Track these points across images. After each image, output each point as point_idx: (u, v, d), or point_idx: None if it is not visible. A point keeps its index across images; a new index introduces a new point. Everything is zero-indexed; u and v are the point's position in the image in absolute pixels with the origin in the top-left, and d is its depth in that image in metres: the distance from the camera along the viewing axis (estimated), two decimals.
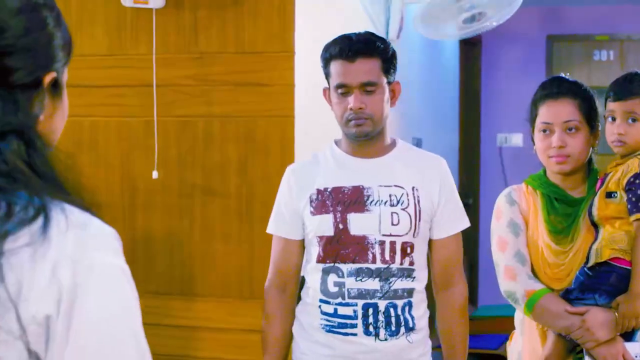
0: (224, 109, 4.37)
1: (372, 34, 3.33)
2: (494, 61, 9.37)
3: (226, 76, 4.37)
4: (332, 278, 3.25)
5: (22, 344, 1.30)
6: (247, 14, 4.33)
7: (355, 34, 3.30)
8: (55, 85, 1.48)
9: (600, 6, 9.03)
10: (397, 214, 3.23)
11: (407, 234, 3.23)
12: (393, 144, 3.38)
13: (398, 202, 3.24)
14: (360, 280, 3.20)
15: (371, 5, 5.20)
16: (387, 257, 3.21)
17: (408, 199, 3.25)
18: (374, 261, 3.20)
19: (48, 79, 1.46)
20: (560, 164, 3.27)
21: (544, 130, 3.30)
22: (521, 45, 9.33)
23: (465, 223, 3.40)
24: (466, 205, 9.30)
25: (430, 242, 3.35)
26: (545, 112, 3.31)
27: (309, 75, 4.36)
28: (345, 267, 3.22)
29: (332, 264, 3.24)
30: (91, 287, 1.33)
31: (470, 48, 9.03)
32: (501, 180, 8.97)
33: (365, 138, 3.27)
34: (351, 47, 3.23)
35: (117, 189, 4.54)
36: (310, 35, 4.42)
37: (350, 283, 3.21)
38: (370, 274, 3.20)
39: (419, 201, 3.26)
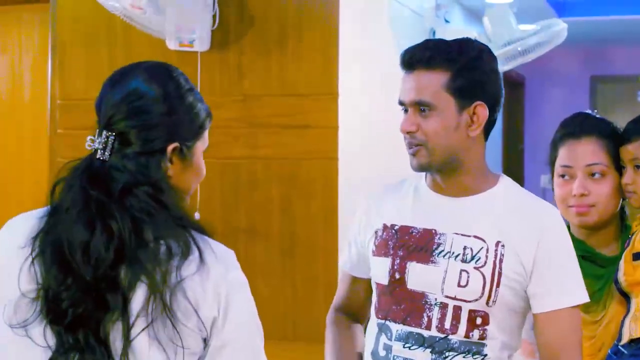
0: (268, 150, 4.39)
1: (464, 40, 2.58)
2: (538, 102, 9.36)
3: (270, 118, 4.39)
4: (383, 339, 2.57)
5: (200, 336, 1.93)
6: (291, 57, 4.36)
7: (436, 38, 2.63)
8: (182, 151, 2.03)
9: None
10: (467, 272, 2.46)
11: (477, 300, 2.45)
12: (492, 181, 2.60)
13: (472, 258, 2.47)
14: (409, 347, 2.50)
15: None
16: (447, 325, 2.47)
17: (487, 256, 2.46)
18: (428, 327, 2.48)
19: (170, 148, 2.00)
20: (581, 215, 2.77)
21: (563, 175, 2.81)
22: (565, 86, 9.32)
23: (579, 297, 2.50)
24: None
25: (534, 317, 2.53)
26: (566, 153, 2.81)
27: (352, 117, 4.38)
28: (395, 328, 2.53)
29: (383, 321, 2.57)
30: (235, 295, 1.99)
31: (513, 88, 9.02)
32: None
33: (425, 171, 2.58)
34: (410, 54, 2.52)
35: None
36: (354, 78, 4.44)
37: (397, 349, 2.52)
38: (421, 341, 2.49)
39: (501, 261, 2.46)
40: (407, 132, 2.50)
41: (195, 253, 1.94)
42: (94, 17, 4.68)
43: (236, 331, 1.98)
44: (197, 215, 4.42)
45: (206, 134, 2.16)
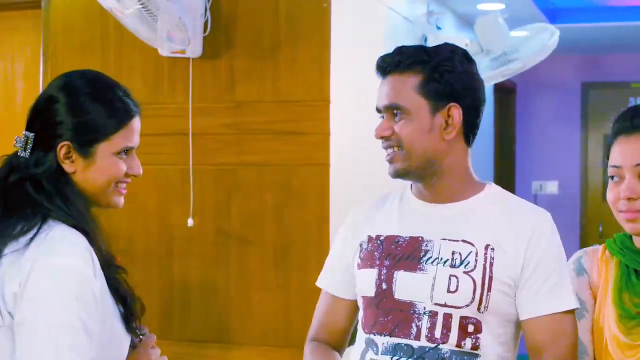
0: (261, 157, 4.39)
1: (440, 44, 2.55)
2: (529, 109, 9.37)
3: (263, 125, 4.39)
4: (369, 355, 2.46)
5: (4, 310, 2.06)
6: (284, 64, 4.36)
7: (411, 45, 2.55)
8: (79, 151, 2.19)
9: (635, 54, 9.03)
10: (457, 277, 2.39)
11: (467, 306, 2.38)
12: (478, 188, 2.53)
13: (462, 262, 2.40)
14: None
15: None
16: (437, 335, 2.38)
17: (476, 260, 2.40)
18: (417, 337, 2.39)
19: (59, 146, 2.18)
20: (630, 221, 2.41)
21: (613, 177, 2.46)
22: (556, 93, 9.34)
23: (568, 304, 2.42)
24: None
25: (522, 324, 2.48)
26: (616, 152, 2.46)
27: (344, 124, 4.38)
28: (382, 341, 2.43)
29: (369, 335, 2.48)
30: (41, 276, 2.04)
31: (505, 96, 9.03)
32: None
33: (403, 178, 2.51)
34: (383, 60, 2.52)
35: (154, 237, 4.56)
36: (346, 85, 4.44)
37: None
38: (411, 353, 2.39)
39: (491, 265, 2.39)
40: (382, 137, 2.48)
41: (29, 235, 2.10)
42: (87, 24, 4.68)
43: (31, 311, 2.04)
44: (190, 222, 4.42)
45: (121, 136, 2.26)
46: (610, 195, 2.46)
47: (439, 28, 5.82)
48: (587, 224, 9.19)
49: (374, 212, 2.61)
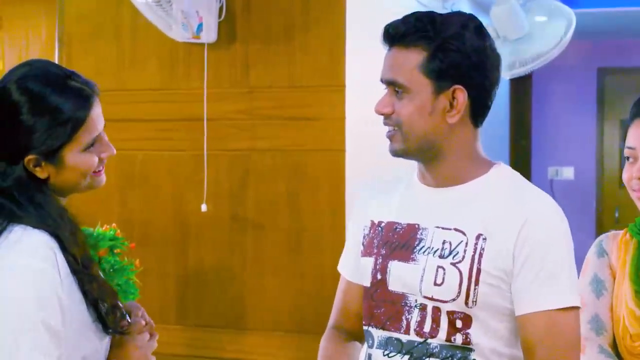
0: (275, 142, 4.39)
1: (449, 14, 2.30)
2: (545, 94, 9.34)
3: (277, 110, 4.39)
4: (366, 348, 2.35)
5: None
6: (298, 49, 4.35)
7: (422, 12, 2.30)
8: (50, 158, 2.14)
9: None
10: (443, 269, 2.19)
11: (454, 300, 2.18)
12: (483, 169, 2.32)
13: (450, 253, 2.20)
14: (387, 355, 2.27)
15: None
16: (426, 329, 2.21)
17: (465, 250, 2.18)
18: (406, 331, 2.23)
19: (26, 159, 2.13)
20: None
21: (628, 158, 2.50)
22: (572, 79, 9.29)
23: (563, 300, 2.14)
24: None
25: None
26: (632, 134, 2.49)
27: (359, 109, 4.37)
28: (376, 334, 2.30)
29: (367, 327, 2.34)
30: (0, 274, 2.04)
31: (520, 82, 9.00)
32: None
33: (402, 157, 2.32)
34: (388, 30, 2.30)
35: (169, 223, 4.57)
36: (361, 69, 4.43)
37: (377, 357, 2.29)
38: (400, 348, 2.25)
39: (480, 255, 2.17)
40: (381, 113, 2.32)
41: None
42: (101, 9, 4.68)
43: None
44: (204, 207, 4.43)
45: (84, 132, 2.18)
46: (625, 175, 2.49)
47: None
48: (603, 210, 9.15)
49: (380, 195, 2.44)
